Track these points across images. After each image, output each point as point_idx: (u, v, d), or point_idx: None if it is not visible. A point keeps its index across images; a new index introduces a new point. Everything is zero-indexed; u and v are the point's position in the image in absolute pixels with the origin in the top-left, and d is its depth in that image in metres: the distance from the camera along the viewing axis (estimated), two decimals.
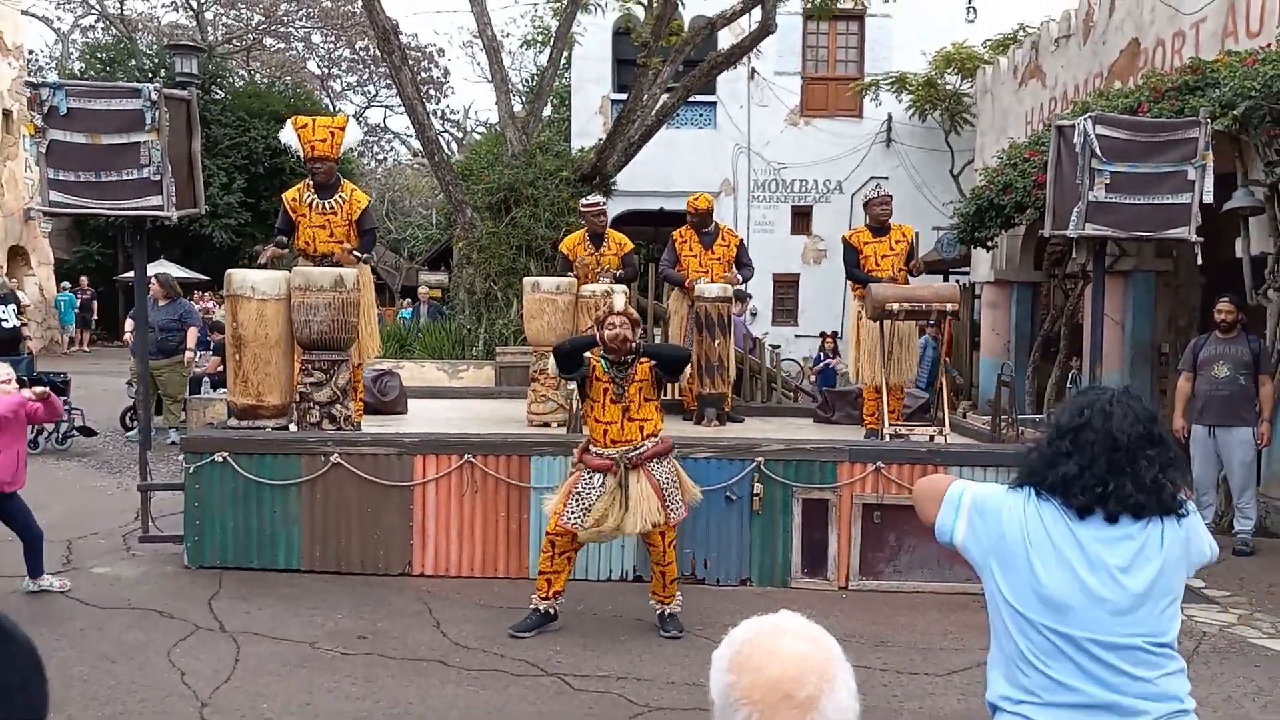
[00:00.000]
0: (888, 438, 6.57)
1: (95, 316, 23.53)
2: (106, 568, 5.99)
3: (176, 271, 18.40)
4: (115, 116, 5.51)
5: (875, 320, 6.65)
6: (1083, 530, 2.06)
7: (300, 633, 5.03)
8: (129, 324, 10.13)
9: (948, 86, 17.01)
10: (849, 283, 7.28)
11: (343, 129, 6.59)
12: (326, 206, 6.52)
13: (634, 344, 4.95)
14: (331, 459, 5.97)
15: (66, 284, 22.69)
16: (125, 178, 5.56)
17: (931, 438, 6.62)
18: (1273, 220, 7.65)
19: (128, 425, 10.67)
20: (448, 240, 26.63)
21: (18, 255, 21.30)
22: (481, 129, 33.58)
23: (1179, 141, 5.81)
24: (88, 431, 9.76)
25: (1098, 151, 5.75)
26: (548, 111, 19.80)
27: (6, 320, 9.37)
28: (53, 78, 30.71)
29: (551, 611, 5.18)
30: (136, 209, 5.63)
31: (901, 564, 6.18)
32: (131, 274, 19.77)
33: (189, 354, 10.12)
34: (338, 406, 6.29)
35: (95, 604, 5.30)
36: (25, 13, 24.87)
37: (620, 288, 5.09)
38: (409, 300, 21.66)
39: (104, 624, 5.03)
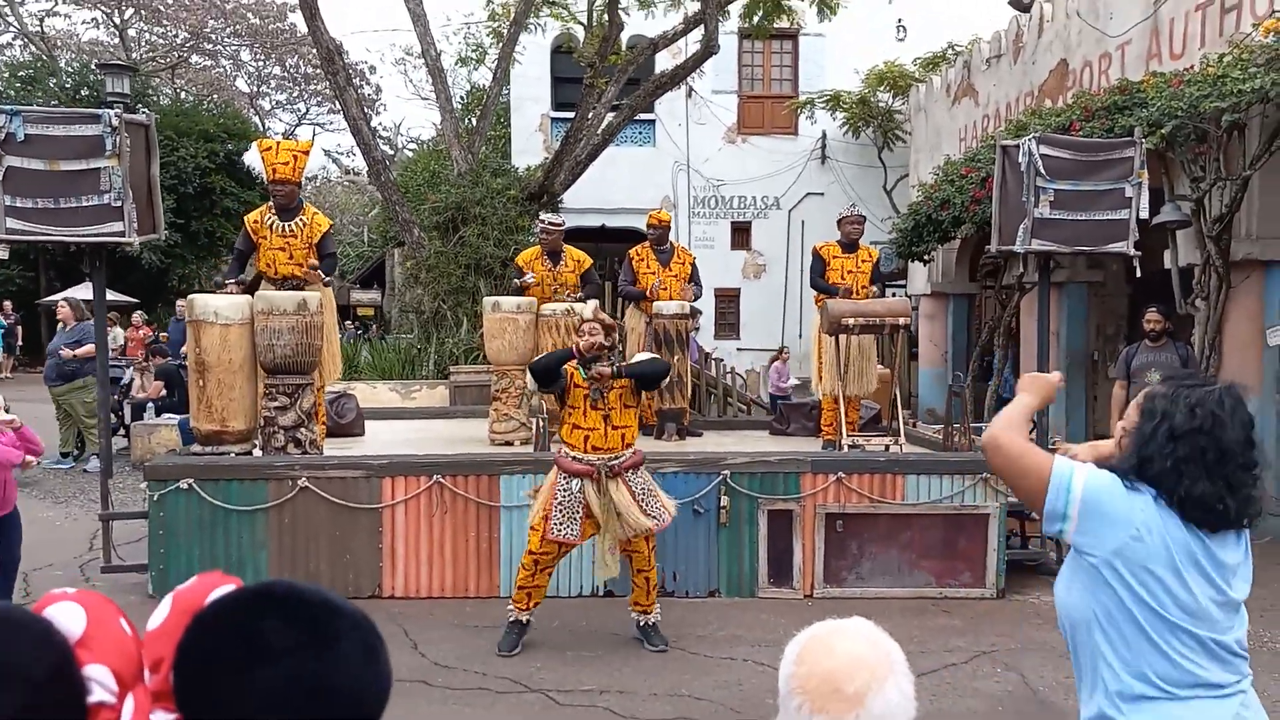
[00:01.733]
0: (846, 448, 6.76)
1: (19, 342, 22.82)
2: None
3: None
4: (75, 142, 5.44)
5: (831, 334, 6.84)
6: (1208, 541, 2.06)
7: None
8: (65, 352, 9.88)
9: (880, 104, 17.48)
10: (814, 293, 7.46)
11: (306, 153, 6.58)
12: (287, 229, 6.50)
13: (610, 346, 5.03)
14: (299, 483, 5.94)
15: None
16: (85, 204, 5.49)
17: (887, 447, 6.83)
18: (1199, 233, 8.06)
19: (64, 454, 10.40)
20: (380, 258, 26.41)
21: None
22: (413, 145, 33.41)
23: (1116, 160, 6.13)
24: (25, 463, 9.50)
25: (1042, 170, 6.03)
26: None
27: None
28: None
29: (528, 620, 5.23)
30: (97, 235, 5.56)
31: (864, 571, 6.36)
32: (53, 298, 19.18)
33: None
34: (303, 430, 6.26)
35: None
36: None
37: (592, 303, 5.17)
38: (349, 321, 21.42)
39: None
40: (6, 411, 5.14)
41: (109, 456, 6.33)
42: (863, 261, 7.26)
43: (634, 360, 5.30)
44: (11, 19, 29.50)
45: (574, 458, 5.06)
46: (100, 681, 1.06)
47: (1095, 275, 11.28)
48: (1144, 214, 6.19)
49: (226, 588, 1.15)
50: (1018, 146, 6.23)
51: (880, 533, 6.34)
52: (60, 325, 10.20)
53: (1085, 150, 6.22)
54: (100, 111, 5.58)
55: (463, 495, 6.11)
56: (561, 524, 5.02)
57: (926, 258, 12.64)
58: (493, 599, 6.10)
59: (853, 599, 6.25)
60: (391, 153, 33.61)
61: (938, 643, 5.54)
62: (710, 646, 5.36)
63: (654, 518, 5.14)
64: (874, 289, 7.13)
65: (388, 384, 10.86)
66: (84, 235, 5.56)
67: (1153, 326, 7.56)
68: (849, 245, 7.32)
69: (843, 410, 6.88)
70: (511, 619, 5.22)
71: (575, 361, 5.05)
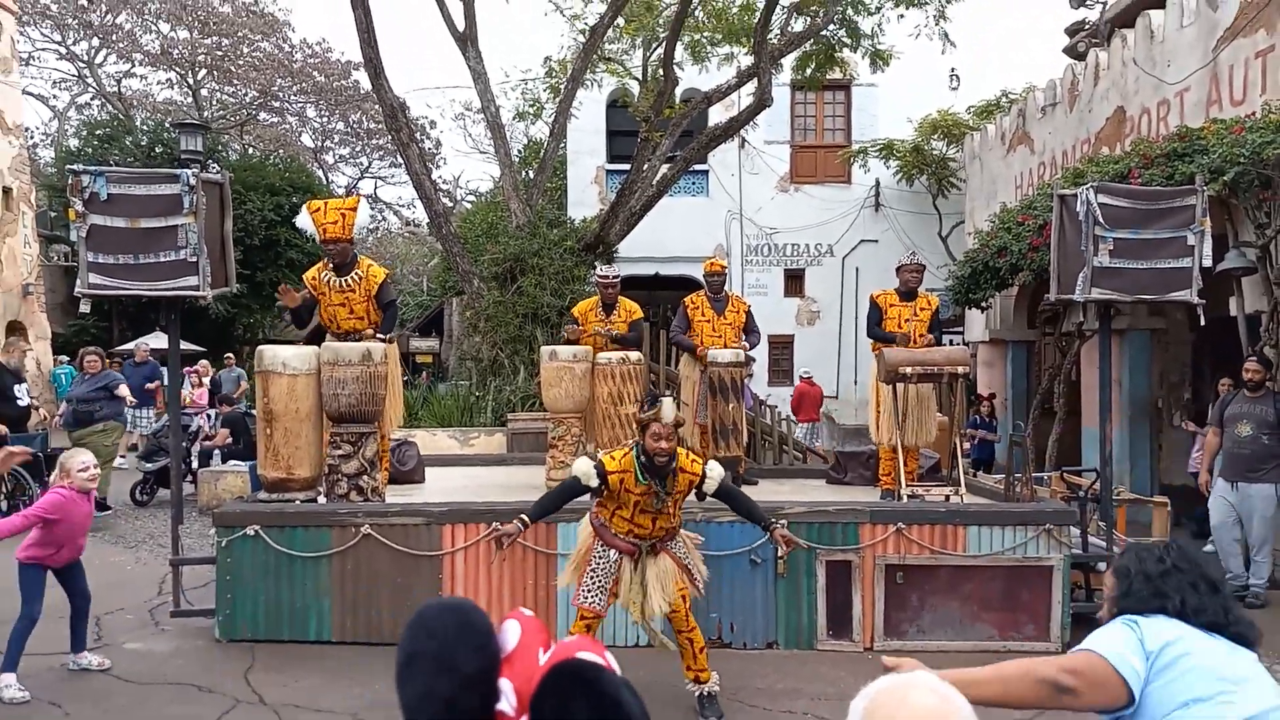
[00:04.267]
0: (905, 498, 6.70)
1: None
2: (138, 643, 6.02)
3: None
4: (155, 201, 5.69)
5: (888, 383, 6.82)
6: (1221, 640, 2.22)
7: (341, 704, 5.07)
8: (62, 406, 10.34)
9: (934, 152, 17.49)
10: (870, 341, 7.44)
11: (354, 209, 6.76)
12: (345, 284, 6.69)
13: (673, 451, 4.68)
14: (362, 530, 6.05)
15: (64, 357, 22.71)
16: (163, 259, 5.72)
17: (948, 497, 6.76)
18: (1265, 279, 7.92)
19: (138, 499, 10.67)
20: (439, 306, 26.87)
21: (15, 330, 21.34)
22: (471, 197, 34.05)
23: (1177, 209, 6.07)
24: (102, 506, 9.78)
25: (1100, 219, 6.00)
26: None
27: (21, 399, 9.43)
28: (49, 155, 31.08)
29: None
30: (174, 289, 5.78)
31: (925, 623, 6.27)
32: (127, 345, 19.72)
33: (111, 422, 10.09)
34: (365, 478, 6.39)
35: (133, 680, 5.33)
36: (23, 92, 25.27)
37: (669, 405, 4.80)
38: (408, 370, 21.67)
39: (145, 700, 5.06)
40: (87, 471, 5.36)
41: (180, 503, 6.50)
42: (921, 309, 7.24)
43: (719, 480, 4.84)
44: (90, 80, 30.86)
45: (615, 534, 4.84)
46: (507, 695, 1.33)
47: (1158, 322, 11.10)
48: (1207, 261, 6.12)
49: (593, 656, 1.38)
50: (1075, 195, 6.21)
51: (941, 584, 6.25)
52: (82, 374, 10.53)
53: (1145, 198, 6.18)
54: (179, 172, 5.82)
55: (520, 543, 6.16)
56: (591, 592, 4.85)
57: (984, 305, 12.54)
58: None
59: (914, 651, 6.15)
60: (451, 205, 34.34)
61: None
62: (769, 699, 5.32)
63: (695, 577, 5.04)
64: (932, 337, 7.10)
65: (447, 431, 11.02)
66: (161, 290, 5.78)
67: (1251, 376, 7.30)
68: (907, 293, 7.31)
69: (901, 459, 6.83)
70: None
71: (626, 460, 4.72)
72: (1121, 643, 2.22)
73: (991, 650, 6.17)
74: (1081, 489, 7.57)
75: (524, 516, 4.81)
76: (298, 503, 6.24)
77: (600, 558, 4.86)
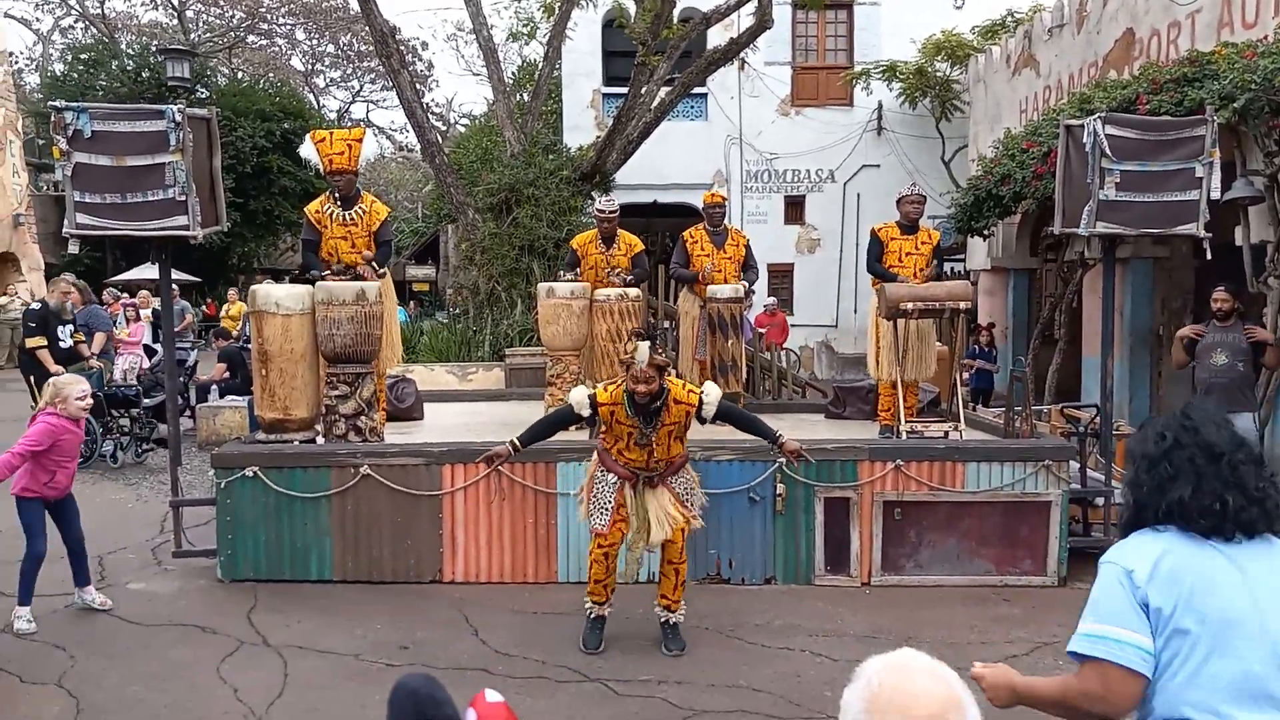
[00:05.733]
0: (904, 434, 6.69)
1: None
2: (142, 584, 6.06)
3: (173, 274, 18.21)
4: (140, 138, 5.54)
5: (889, 319, 6.75)
6: (1223, 548, 2.03)
7: (343, 645, 5.11)
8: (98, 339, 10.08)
9: (938, 74, 17.12)
10: (870, 276, 7.33)
11: (360, 141, 6.64)
12: (348, 218, 6.58)
13: (660, 389, 4.77)
14: (361, 471, 6.05)
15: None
16: (151, 198, 5.60)
17: (946, 434, 6.74)
18: (1272, 209, 7.80)
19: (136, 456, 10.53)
20: (434, 233, 26.66)
21: (8, 261, 21.20)
22: (465, 121, 33.52)
23: (1186, 139, 5.93)
24: (162, 443, 9.69)
25: (1108, 151, 5.87)
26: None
27: (64, 340, 9.36)
28: (34, 79, 30.47)
29: (608, 614, 5.23)
30: (163, 229, 5.67)
31: (923, 559, 6.31)
32: (120, 277, 19.61)
33: (93, 360, 9.94)
34: (363, 418, 6.36)
35: (138, 621, 5.38)
36: (5, 15, 24.66)
37: (643, 349, 4.75)
38: (411, 302, 21.50)
39: (149, 642, 5.11)
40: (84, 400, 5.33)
41: (178, 442, 6.49)
42: (922, 243, 7.12)
43: (717, 402, 4.92)
44: (73, 2, 30.09)
45: (613, 460, 5.01)
46: None
47: (1161, 251, 10.97)
48: (1215, 194, 6.00)
49: None
50: (1082, 126, 6.07)
51: (939, 520, 6.28)
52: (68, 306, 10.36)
53: (1153, 129, 6.03)
54: (164, 108, 5.66)
55: (520, 482, 6.17)
56: (594, 513, 5.05)
57: (986, 232, 12.41)
58: (550, 584, 6.18)
59: (911, 586, 6.22)
60: (444, 129, 33.80)
61: (999, 632, 5.49)
62: (768, 636, 5.37)
63: (693, 511, 5.14)
64: (933, 271, 6.98)
65: (445, 366, 10.98)
66: (150, 230, 5.67)
67: (1220, 305, 7.28)
68: (909, 226, 7.17)
69: (900, 395, 6.80)
70: (592, 615, 5.17)
71: (619, 393, 4.83)
72: (1119, 617, 2.01)
73: (989, 585, 6.24)
74: (1079, 422, 7.56)
75: (515, 440, 5.02)
76: (296, 444, 6.23)
77: (600, 481, 5.05)
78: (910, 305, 6.54)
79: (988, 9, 16.94)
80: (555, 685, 4.69)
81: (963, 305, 6.64)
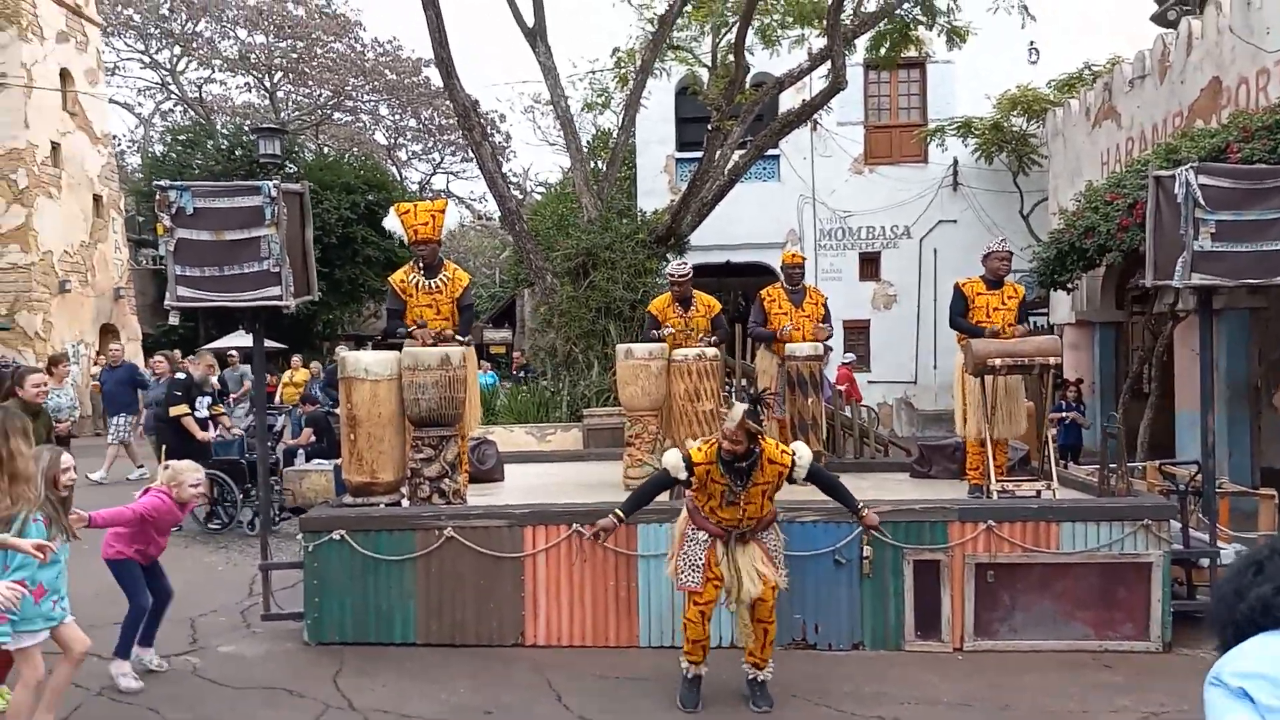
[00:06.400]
0: (994, 494, 6.51)
1: None
2: (230, 646, 6.16)
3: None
4: (238, 213, 5.78)
5: (976, 376, 6.62)
6: None
7: (427, 709, 5.11)
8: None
9: (1014, 128, 16.99)
10: (954, 332, 7.21)
11: (443, 211, 6.82)
12: (432, 286, 6.75)
13: (750, 450, 4.81)
14: (445, 533, 6.09)
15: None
16: (247, 270, 5.81)
17: (1039, 493, 6.54)
18: None
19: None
20: (510, 298, 27.13)
21: (109, 332, 22.15)
22: (541, 189, 34.22)
23: None
24: (298, 511, 9.89)
25: (1201, 201, 5.72)
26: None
27: (200, 411, 9.77)
28: (135, 160, 32.12)
29: (704, 673, 5.19)
30: (257, 299, 5.87)
31: (1017, 623, 6.08)
32: (212, 345, 20.34)
33: (235, 429, 10.23)
34: (447, 481, 6.43)
35: (226, 684, 5.45)
36: (109, 100, 26.14)
37: (737, 410, 4.81)
38: (486, 364, 21.83)
39: (237, 704, 5.17)
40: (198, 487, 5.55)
41: (268, 507, 6.63)
42: (1009, 298, 6.99)
43: (809, 465, 5.00)
44: (173, 87, 31.77)
45: (705, 517, 5.04)
46: None
47: (1257, 301, 10.59)
48: None
49: None
50: (1173, 177, 5.93)
51: (1034, 583, 6.06)
52: (155, 377, 10.74)
53: (1248, 178, 5.86)
54: (260, 184, 5.90)
55: (601, 544, 6.14)
56: (684, 571, 5.05)
57: (1070, 286, 12.16)
58: (632, 648, 6.11)
59: (1005, 651, 6.00)
60: (521, 197, 34.59)
61: (1101, 701, 5.24)
62: (856, 703, 5.21)
63: (782, 569, 5.11)
64: (1021, 327, 6.85)
65: (524, 427, 11.07)
66: (246, 300, 5.88)
67: None
68: (995, 281, 7.06)
69: (990, 453, 6.63)
70: (690, 675, 5.15)
71: (711, 452, 4.89)
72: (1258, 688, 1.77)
73: (1088, 650, 5.98)
74: (1179, 480, 7.27)
75: (618, 511, 5.09)
76: (382, 507, 6.32)
77: (691, 540, 5.06)
78: (998, 361, 6.40)
79: (1063, 63, 16.83)
80: None
81: (1052, 361, 6.48)
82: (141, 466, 12.39)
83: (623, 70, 15.51)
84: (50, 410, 6.91)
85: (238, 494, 9.53)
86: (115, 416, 12.59)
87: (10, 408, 5.77)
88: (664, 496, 6.70)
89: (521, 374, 17.66)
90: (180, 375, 9.98)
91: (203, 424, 9.85)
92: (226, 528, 9.45)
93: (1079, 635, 6.05)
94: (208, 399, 9.95)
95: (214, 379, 10.14)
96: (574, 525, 6.13)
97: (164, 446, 9.37)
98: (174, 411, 9.57)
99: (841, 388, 12.40)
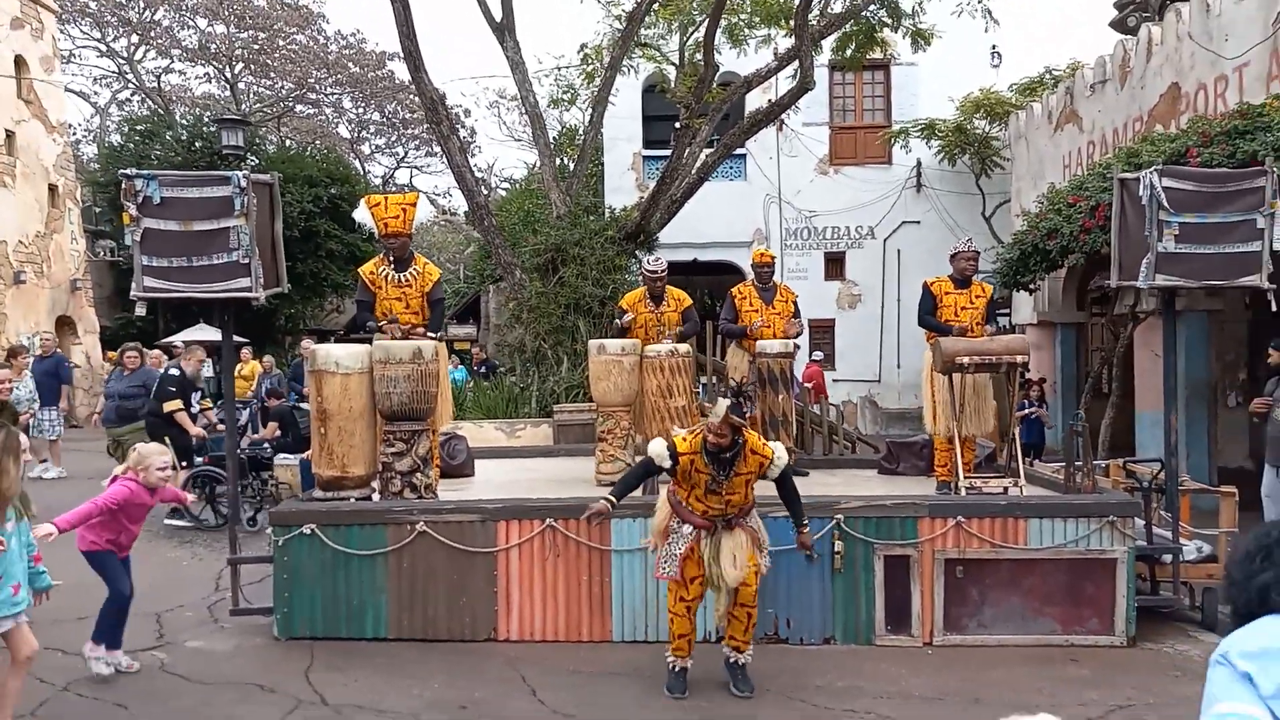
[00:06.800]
0: (962, 491, 6.59)
1: None
2: (199, 641, 6.07)
3: (215, 335, 18.44)
4: (206, 204, 5.70)
5: (945, 373, 6.70)
6: None
7: (402, 704, 5.07)
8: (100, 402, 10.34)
9: (977, 131, 17.20)
10: (921, 330, 7.29)
11: (414, 205, 6.77)
12: (402, 279, 6.70)
13: (735, 441, 4.95)
14: (417, 527, 6.05)
15: (112, 353, 23.05)
16: (215, 261, 5.73)
17: (1006, 489, 6.64)
18: None
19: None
20: (475, 294, 27.01)
21: (65, 324, 21.70)
22: (506, 185, 34.08)
23: (1246, 191, 5.89)
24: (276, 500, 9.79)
25: (1165, 203, 5.83)
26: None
27: (194, 406, 9.69)
28: (91, 150, 31.50)
29: (689, 665, 5.28)
30: (226, 291, 5.79)
31: (986, 618, 6.17)
32: (172, 339, 19.99)
33: (220, 426, 10.10)
34: (419, 475, 6.39)
35: (198, 679, 5.38)
36: (66, 89, 25.60)
37: (721, 405, 4.90)
38: (455, 359, 21.68)
39: (210, 700, 5.10)
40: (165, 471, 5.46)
41: (236, 500, 6.55)
42: (976, 297, 7.10)
43: (783, 466, 5.15)
44: (131, 76, 31.19)
45: (689, 510, 5.11)
46: None
47: (1215, 304, 10.85)
48: (1279, 245, 5.93)
49: None
50: (1138, 179, 6.05)
51: (1002, 578, 6.15)
52: (120, 370, 10.57)
53: (1212, 181, 5.99)
54: (230, 174, 5.82)
55: (574, 539, 6.14)
56: (666, 562, 5.14)
57: (1033, 287, 12.34)
58: (605, 643, 6.11)
59: (974, 646, 6.08)
60: (486, 193, 34.41)
61: (1069, 694, 5.33)
62: (830, 698, 5.25)
63: (764, 554, 5.24)
64: (989, 327, 6.96)
65: (493, 423, 11.03)
66: (215, 292, 5.80)
67: (1273, 359, 7.34)
68: (962, 281, 7.16)
69: (958, 450, 6.71)
70: (676, 668, 5.24)
71: (697, 442, 5.00)
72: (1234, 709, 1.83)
73: (1055, 645, 6.08)
74: (1142, 478, 7.41)
75: (609, 497, 5.19)
76: (352, 501, 6.26)
77: (675, 533, 5.14)
78: (966, 360, 6.49)
79: (1025, 67, 17.14)
80: None
81: (1019, 359, 6.58)
82: (45, 461, 12.12)
83: (589, 67, 15.50)
84: (12, 402, 6.75)
85: (256, 487, 9.40)
86: (44, 410, 12.14)
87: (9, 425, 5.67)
88: (638, 492, 6.75)
89: (482, 369, 17.57)
90: (174, 371, 9.81)
91: (192, 419, 9.71)
92: (226, 524, 9.20)
93: (1046, 630, 6.15)
94: (198, 394, 9.82)
95: (205, 374, 10.03)
96: (547, 520, 6.12)
97: (165, 440, 9.19)
98: (168, 407, 9.41)
99: (809, 385, 12.47)
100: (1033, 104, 15.19)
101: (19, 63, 20.27)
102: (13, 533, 4.12)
